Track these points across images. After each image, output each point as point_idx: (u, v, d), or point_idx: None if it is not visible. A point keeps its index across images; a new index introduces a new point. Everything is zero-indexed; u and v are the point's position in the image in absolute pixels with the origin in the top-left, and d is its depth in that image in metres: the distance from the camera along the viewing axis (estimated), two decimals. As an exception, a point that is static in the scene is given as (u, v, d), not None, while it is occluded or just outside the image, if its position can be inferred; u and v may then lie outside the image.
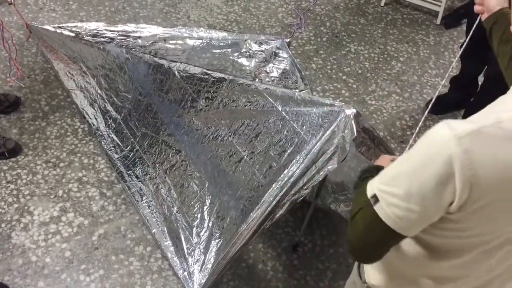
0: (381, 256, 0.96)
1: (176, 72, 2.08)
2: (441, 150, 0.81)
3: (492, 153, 0.80)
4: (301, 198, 1.64)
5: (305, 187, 1.63)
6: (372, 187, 0.91)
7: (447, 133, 0.81)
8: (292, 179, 1.65)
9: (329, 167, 1.59)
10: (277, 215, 1.67)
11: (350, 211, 1.00)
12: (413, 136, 1.43)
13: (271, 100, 1.80)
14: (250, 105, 1.86)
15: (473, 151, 0.79)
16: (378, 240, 0.92)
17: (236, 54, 2.36)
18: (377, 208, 0.89)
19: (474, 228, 0.90)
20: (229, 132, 1.94)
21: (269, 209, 1.67)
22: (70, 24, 2.58)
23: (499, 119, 0.82)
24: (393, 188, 0.87)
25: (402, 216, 0.87)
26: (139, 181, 2.25)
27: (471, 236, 0.92)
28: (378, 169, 1.05)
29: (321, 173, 1.60)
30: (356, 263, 1.32)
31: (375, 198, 0.89)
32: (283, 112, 1.77)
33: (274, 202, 1.66)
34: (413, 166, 0.85)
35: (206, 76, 1.99)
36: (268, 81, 2.26)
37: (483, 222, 0.88)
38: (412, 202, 0.85)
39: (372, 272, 1.17)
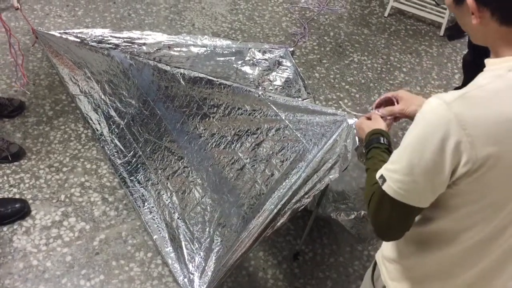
0: (402, 232, 1.00)
1: (181, 79, 2.10)
2: (434, 117, 0.87)
3: (480, 112, 0.86)
4: (302, 207, 1.65)
5: (306, 196, 1.63)
6: (381, 169, 0.98)
7: (437, 102, 0.87)
8: (293, 188, 1.65)
9: (331, 176, 1.59)
10: (278, 223, 1.67)
11: (365, 190, 1.07)
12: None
13: (275, 109, 1.81)
14: (254, 113, 1.87)
15: (463, 113, 0.85)
16: (392, 215, 0.97)
17: (240, 62, 2.38)
18: (385, 187, 0.95)
19: (484, 198, 0.93)
20: (232, 140, 1.95)
21: (270, 217, 1.67)
22: (75, 30, 2.60)
23: (480, 83, 0.89)
24: (397, 165, 0.93)
25: (408, 189, 0.92)
26: (141, 187, 2.26)
27: (482, 209, 0.95)
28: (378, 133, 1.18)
29: (323, 182, 1.61)
30: (368, 275, 1.33)
31: (383, 178, 0.96)
32: (286, 121, 1.78)
33: (275, 210, 1.66)
34: (411, 139, 0.91)
35: (212, 84, 2.00)
36: (271, 89, 2.27)
37: (492, 189, 0.91)
38: (416, 174, 0.90)
39: (393, 284, 1.18)
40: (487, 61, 0.94)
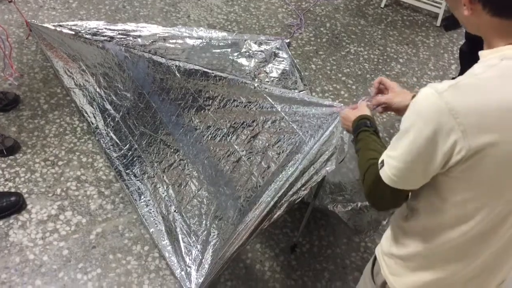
0: (395, 205, 1.08)
1: (176, 71, 2.08)
2: (426, 107, 0.89)
3: (472, 101, 0.87)
4: (299, 199, 1.64)
5: (303, 188, 1.63)
6: (383, 154, 1.02)
7: (429, 91, 0.89)
8: (290, 180, 1.64)
9: (327, 168, 1.58)
10: (275, 216, 1.66)
11: (359, 167, 1.13)
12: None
13: (271, 101, 1.80)
14: (249, 105, 1.86)
15: (455, 102, 0.86)
16: (385, 195, 1.02)
17: (235, 54, 2.36)
18: (382, 172, 1.00)
19: (479, 186, 0.94)
20: (228, 132, 1.94)
21: (267, 209, 1.66)
22: (70, 23, 2.58)
23: (474, 72, 0.90)
24: (393, 151, 0.97)
25: (402, 176, 0.97)
26: (137, 180, 2.25)
27: (477, 197, 0.96)
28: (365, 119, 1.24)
29: (320, 174, 1.60)
30: (367, 270, 1.33)
31: (382, 163, 1.00)
32: (282, 113, 1.77)
33: (272, 203, 1.66)
34: (406, 127, 0.94)
35: (207, 76, 1.99)
36: (268, 81, 2.26)
37: (487, 177, 0.92)
38: (409, 161, 0.94)
39: (394, 279, 1.18)
40: (481, 53, 0.95)
